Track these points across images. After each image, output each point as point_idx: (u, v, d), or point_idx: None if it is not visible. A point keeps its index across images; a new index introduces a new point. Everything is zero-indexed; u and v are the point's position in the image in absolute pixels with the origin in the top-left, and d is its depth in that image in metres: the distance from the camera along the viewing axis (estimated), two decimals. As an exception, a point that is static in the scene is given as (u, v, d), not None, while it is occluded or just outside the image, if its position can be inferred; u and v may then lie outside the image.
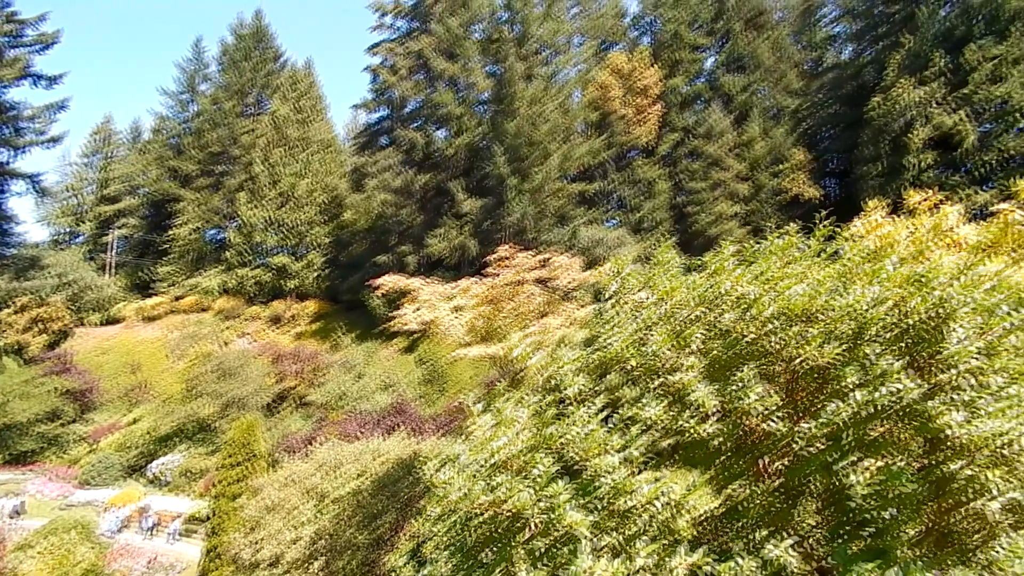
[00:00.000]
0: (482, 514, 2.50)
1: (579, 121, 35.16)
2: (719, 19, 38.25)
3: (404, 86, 33.56)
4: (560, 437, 2.59)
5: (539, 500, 2.34)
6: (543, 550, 2.43)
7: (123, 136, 54.48)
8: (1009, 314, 2.45)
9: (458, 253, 31.99)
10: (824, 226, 3.19)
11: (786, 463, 2.80)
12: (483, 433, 2.76)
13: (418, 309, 14.53)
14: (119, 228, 47.15)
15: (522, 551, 2.32)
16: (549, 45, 34.27)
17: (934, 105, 29.75)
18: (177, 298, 39.41)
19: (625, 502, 2.49)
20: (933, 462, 2.58)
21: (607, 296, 3.48)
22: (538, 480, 2.43)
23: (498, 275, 15.03)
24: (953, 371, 2.38)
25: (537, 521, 2.36)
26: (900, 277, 2.65)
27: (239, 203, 37.62)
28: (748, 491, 2.87)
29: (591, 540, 2.43)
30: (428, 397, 27.19)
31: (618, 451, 2.63)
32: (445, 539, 2.76)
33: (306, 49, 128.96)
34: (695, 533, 3.06)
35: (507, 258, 15.32)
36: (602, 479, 2.53)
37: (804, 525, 2.86)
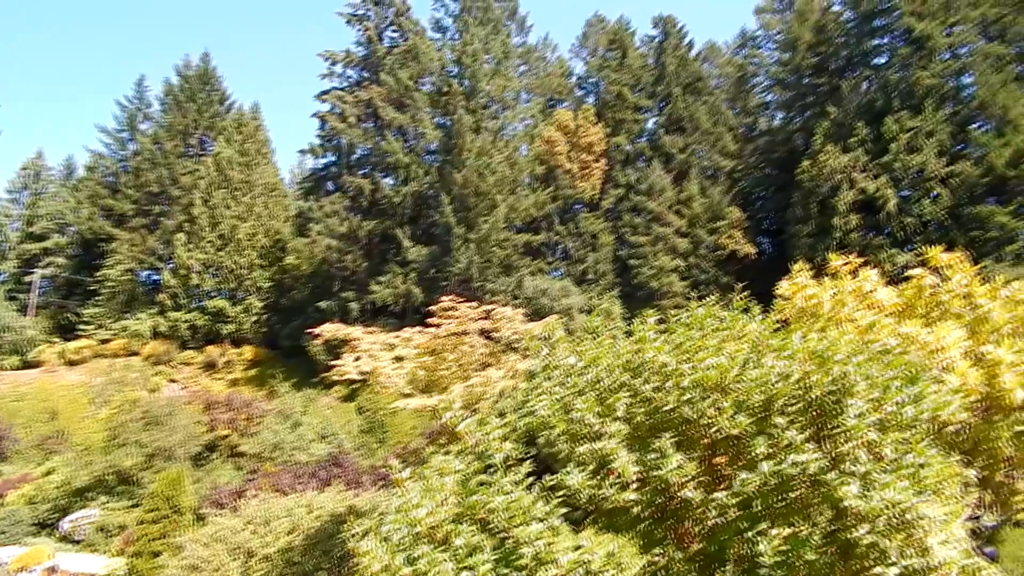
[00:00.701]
0: (405, 586, 2.49)
1: (526, 174, 35.96)
2: (660, 83, 40.09)
3: (353, 133, 33.77)
4: (484, 506, 2.62)
5: (460, 572, 2.36)
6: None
7: (55, 172, 52.56)
8: (901, 389, 2.66)
9: (403, 300, 31.83)
10: (741, 299, 3.39)
11: (704, 530, 2.91)
12: (408, 500, 2.77)
13: (358, 359, 14.34)
14: (44, 267, 45.04)
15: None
16: (497, 100, 35.20)
17: (858, 171, 31.71)
18: (104, 341, 37.63)
19: (546, 571, 2.53)
20: (839, 528, 2.72)
21: (538, 361, 3.58)
22: (459, 552, 2.45)
23: (441, 325, 15.03)
24: (851, 443, 2.55)
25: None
26: (805, 352, 2.84)
27: (176, 244, 36.62)
28: (667, 559, 2.96)
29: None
30: (367, 447, 26.53)
31: (541, 520, 2.68)
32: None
33: (254, 92, 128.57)
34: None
35: (451, 308, 15.35)
36: (524, 549, 2.57)
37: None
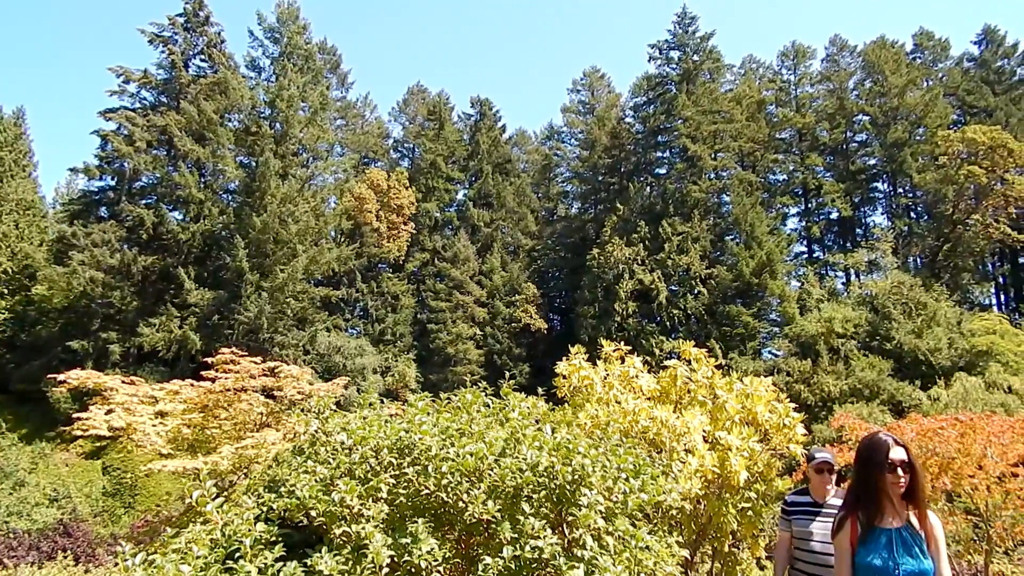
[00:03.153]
0: None
1: (332, 227, 35.22)
2: (473, 158, 42.12)
3: (140, 159, 30.69)
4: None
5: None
6: None
7: None
8: (628, 480, 3.03)
9: (177, 347, 28.85)
10: (506, 388, 3.64)
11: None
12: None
13: (110, 412, 12.64)
14: None
15: None
16: (310, 149, 34.46)
17: (638, 264, 35.53)
18: None
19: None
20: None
21: (305, 437, 3.50)
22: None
23: (217, 379, 13.86)
24: (581, 530, 2.84)
25: None
26: (553, 444, 3.13)
27: None
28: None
29: None
30: (111, 513, 23.12)
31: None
32: None
33: (21, 97, 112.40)
34: None
35: (231, 362, 14.26)
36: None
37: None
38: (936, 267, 34.25)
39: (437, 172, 40.27)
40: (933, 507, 11.38)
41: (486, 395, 3.68)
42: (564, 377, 11.80)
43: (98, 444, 25.59)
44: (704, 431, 10.61)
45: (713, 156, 38.18)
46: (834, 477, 4.83)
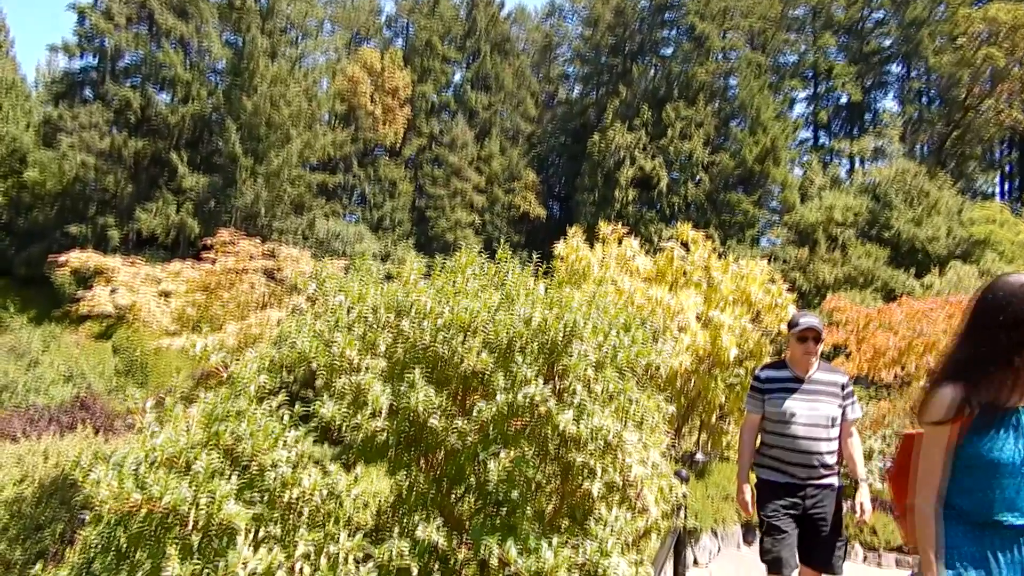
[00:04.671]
0: (137, 513, 2.43)
1: (325, 110, 34.19)
2: (470, 37, 40.21)
3: (121, 36, 29.25)
4: (230, 432, 2.62)
5: (198, 495, 2.35)
6: (199, 544, 2.45)
7: None
8: (619, 335, 3.13)
9: (175, 232, 28.86)
10: (502, 253, 3.69)
11: (446, 455, 3.19)
12: (146, 429, 2.67)
13: (115, 291, 12.83)
14: None
15: (175, 547, 2.32)
16: (298, 26, 32.82)
17: (639, 150, 34.85)
18: None
19: (290, 494, 2.62)
20: (562, 452, 3.15)
21: (305, 297, 3.58)
22: (198, 475, 2.44)
23: (217, 261, 13.97)
24: (571, 378, 2.97)
25: (195, 516, 2.37)
26: (546, 300, 3.21)
27: None
28: (411, 480, 3.21)
29: (252, 532, 2.51)
30: (124, 390, 24.01)
31: (291, 446, 2.76)
32: (98, 543, 2.61)
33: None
34: (374, 523, 3.31)
35: (230, 243, 14.30)
36: (269, 473, 2.63)
37: (461, 509, 3.27)
38: (943, 155, 33.66)
39: (433, 52, 38.56)
40: (915, 384, 11.85)
41: (481, 258, 3.73)
42: (562, 259, 11.89)
43: (106, 325, 26.18)
44: (698, 311, 10.83)
45: (721, 35, 36.48)
46: (820, 348, 4.05)
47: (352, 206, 37.64)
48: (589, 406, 2.81)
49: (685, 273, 11.96)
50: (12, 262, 29.90)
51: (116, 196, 29.26)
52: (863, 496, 3.92)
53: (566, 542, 2.81)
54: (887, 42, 39.17)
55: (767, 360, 11.58)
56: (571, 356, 2.93)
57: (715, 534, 9.06)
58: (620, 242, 12.22)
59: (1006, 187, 38.61)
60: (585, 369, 2.89)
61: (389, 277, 3.95)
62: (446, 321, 3.05)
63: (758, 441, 4.23)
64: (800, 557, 3.94)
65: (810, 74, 40.19)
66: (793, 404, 4.00)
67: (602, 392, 2.96)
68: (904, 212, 27.70)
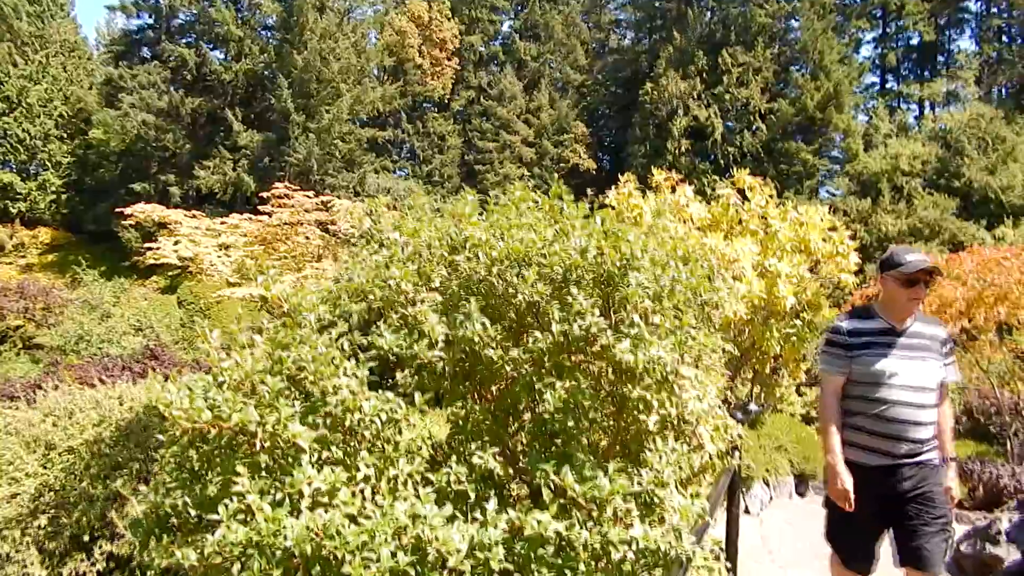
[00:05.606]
0: (208, 433, 2.54)
1: (374, 64, 34.08)
2: (519, -16, 39.20)
3: (175, -7, 29.73)
4: (292, 359, 2.70)
5: (263, 416, 2.44)
6: (266, 463, 2.55)
7: None
8: (677, 267, 3.07)
9: (232, 189, 29.57)
10: (556, 188, 3.63)
11: (502, 386, 3.22)
12: (214, 357, 2.77)
13: (178, 243, 13.32)
14: None
15: (244, 465, 2.42)
16: (346, -22, 32.58)
17: (693, 99, 33.67)
18: None
19: (351, 418, 2.69)
20: (617, 387, 3.14)
21: (359, 235, 3.62)
22: (264, 397, 2.52)
23: (273, 214, 14.32)
24: (628, 309, 2.93)
25: (262, 437, 2.46)
26: (602, 230, 3.16)
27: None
28: (467, 410, 3.26)
29: (315, 453, 2.60)
30: (190, 341, 25.12)
31: (351, 374, 2.82)
32: (172, 463, 2.75)
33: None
34: (432, 452, 3.39)
35: (285, 196, 14.62)
36: (331, 398, 2.70)
37: (516, 439, 3.32)
38: (1023, 98, 31.47)
39: (480, 1, 37.78)
40: (983, 338, 11.36)
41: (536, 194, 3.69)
42: (613, 208, 11.70)
43: (171, 278, 27.23)
44: (754, 260, 10.55)
45: (784, -26, 34.51)
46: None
47: (402, 161, 37.78)
48: (647, 337, 2.77)
49: (741, 221, 11.64)
50: (82, 219, 31.31)
51: (176, 154, 30.10)
52: (951, 478, 3.32)
53: (621, 470, 2.82)
54: (965, -25, 36.45)
55: (823, 311, 11.24)
56: (628, 286, 2.88)
57: (767, 484, 9.01)
58: (673, 190, 11.95)
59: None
60: (642, 300, 2.84)
61: (442, 216, 3.96)
62: (500, 253, 3.04)
63: None
64: (901, 558, 3.28)
65: (879, 13, 37.79)
66: (892, 363, 3.27)
67: (660, 324, 2.91)
68: (977, 159, 26.12)
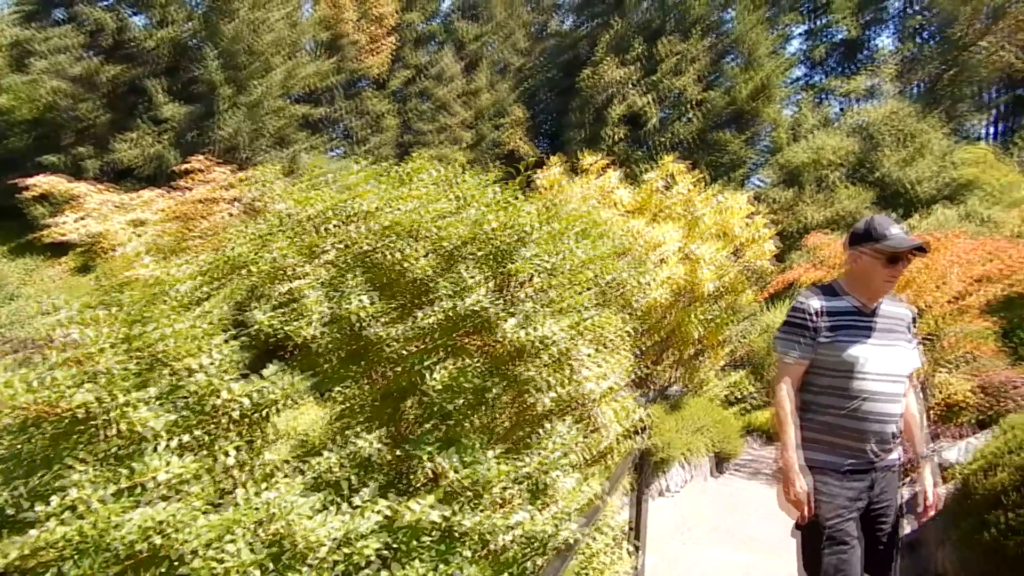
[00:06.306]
0: (49, 419, 2.28)
1: (308, 38, 32.91)
2: (459, -38, 38.49)
3: (91, -47, 27.78)
4: (149, 335, 2.46)
5: (103, 399, 2.20)
6: (114, 451, 2.31)
7: None
8: (575, 241, 2.96)
9: (154, 164, 28.06)
10: (460, 160, 3.47)
11: (390, 366, 3.05)
12: (66, 337, 2.50)
13: (83, 218, 12.49)
14: None
15: (84, 453, 2.18)
16: (278, -54, 31.20)
17: (630, 86, 33.93)
18: None
19: (215, 400, 2.48)
20: (509, 367, 3.02)
21: (245, 204, 3.36)
22: (111, 377, 2.28)
23: (192, 189, 13.60)
24: (517, 283, 2.80)
25: (107, 421, 2.23)
26: (497, 206, 3.02)
27: None
28: (350, 392, 3.08)
29: (174, 439, 2.38)
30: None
31: (218, 349, 2.60)
32: (5, 452, 2.47)
33: None
34: (310, 436, 3.20)
35: (202, 171, 13.88)
36: (191, 378, 2.48)
37: (405, 420, 3.16)
38: (935, 95, 33.05)
39: (420, -22, 36.97)
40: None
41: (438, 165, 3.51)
42: (541, 192, 11.62)
43: (86, 257, 25.71)
44: (678, 244, 10.66)
45: (720, -36, 35.07)
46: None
47: (337, 140, 36.74)
48: (536, 316, 2.65)
49: (667, 207, 11.76)
50: (-14, 192, 29.13)
51: (92, 125, 28.32)
52: (928, 480, 2.87)
53: (508, 452, 2.71)
54: (889, -26, 37.94)
55: (744, 295, 11.47)
56: (518, 260, 2.76)
57: (684, 465, 9.17)
58: (601, 173, 11.94)
59: (997, 128, 38.12)
60: (537, 275, 2.72)
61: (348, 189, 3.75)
62: (391, 224, 2.86)
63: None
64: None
65: (808, 7, 38.97)
66: (864, 349, 2.80)
67: (554, 301, 2.80)
68: (892, 153, 27.34)
